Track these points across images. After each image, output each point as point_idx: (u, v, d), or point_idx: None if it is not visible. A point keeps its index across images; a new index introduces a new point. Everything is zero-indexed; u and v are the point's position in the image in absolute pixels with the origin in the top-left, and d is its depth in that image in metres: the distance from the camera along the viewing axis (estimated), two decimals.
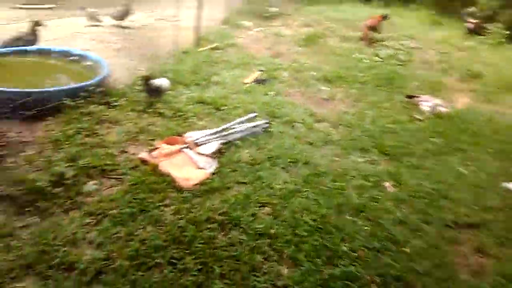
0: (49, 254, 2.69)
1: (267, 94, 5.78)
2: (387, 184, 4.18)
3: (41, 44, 5.57)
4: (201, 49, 7.00)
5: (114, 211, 3.18)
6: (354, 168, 4.33)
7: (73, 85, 4.35)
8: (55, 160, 3.52)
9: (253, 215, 3.40)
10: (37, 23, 5.65)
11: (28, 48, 5.20)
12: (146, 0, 9.49)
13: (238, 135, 4.48)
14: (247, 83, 6.00)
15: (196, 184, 3.62)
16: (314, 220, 3.45)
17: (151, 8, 8.97)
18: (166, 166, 3.72)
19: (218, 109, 5.06)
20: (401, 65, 7.76)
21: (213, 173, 3.83)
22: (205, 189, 3.60)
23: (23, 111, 3.97)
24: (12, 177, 3.23)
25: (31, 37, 5.56)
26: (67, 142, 3.81)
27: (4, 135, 3.84)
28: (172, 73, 5.73)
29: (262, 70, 6.57)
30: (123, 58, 6.21)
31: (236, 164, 4.02)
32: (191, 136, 4.20)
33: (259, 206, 3.53)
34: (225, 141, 4.31)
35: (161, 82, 4.95)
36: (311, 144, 4.74)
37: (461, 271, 3.15)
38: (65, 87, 4.27)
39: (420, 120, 5.75)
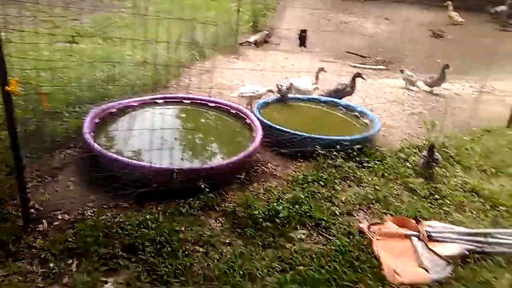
0: (226, 277, 2.79)
1: None
2: None
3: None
4: None
5: (302, 267, 2.98)
6: None
7: (329, 136, 4.45)
8: (281, 197, 3.69)
9: None
10: (358, 75, 6.14)
11: (321, 98, 5.76)
12: (477, 71, 8.61)
13: (503, 250, 3.24)
14: None
15: (405, 284, 2.87)
16: None
17: (481, 79, 8.03)
18: (380, 246, 3.15)
19: (494, 207, 3.86)
20: None
21: (437, 282, 2.93)
22: None
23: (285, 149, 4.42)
24: (245, 199, 3.61)
25: (350, 90, 6.14)
26: (302, 186, 3.91)
27: (264, 165, 4.39)
28: (456, 150, 4.87)
29: None
30: (411, 124, 5.82)
31: (478, 285, 2.92)
32: (430, 225, 3.38)
33: None
34: (478, 249, 3.22)
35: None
36: None
37: None
38: (322, 137, 4.42)
39: None
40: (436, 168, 4.36)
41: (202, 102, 5.13)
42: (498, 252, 3.24)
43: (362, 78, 6.04)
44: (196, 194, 3.52)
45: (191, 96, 5.29)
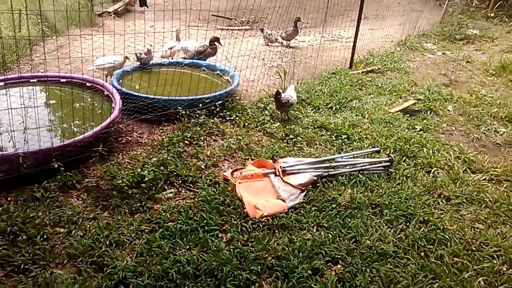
0: (92, 251, 2.78)
1: (412, 128, 4.76)
2: None
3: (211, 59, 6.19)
4: (354, 71, 6.38)
5: (171, 223, 3.10)
6: (497, 245, 3.08)
7: (191, 96, 4.55)
8: (147, 162, 3.71)
9: (314, 269, 2.76)
10: (215, 39, 6.28)
11: (184, 61, 5.79)
12: (331, 22, 9.41)
13: (344, 170, 3.79)
14: (391, 113, 5.09)
15: (265, 216, 3.20)
16: None
17: (330, 29, 8.81)
18: (242, 188, 3.42)
19: (338, 137, 4.43)
20: None
21: (293, 208, 3.32)
22: (274, 224, 3.14)
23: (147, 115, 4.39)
24: (108, 171, 3.54)
25: (211, 51, 6.23)
26: (167, 148, 3.97)
27: (129, 134, 4.32)
28: (307, 94, 5.38)
29: (419, 99, 5.49)
30: (270, 76, 6.23)
31: (326, 203, 3.39)
32: (285, 162, 3.77)
33: (328, 261, 2.85)
34: (325, 174, 3.70)
35: (291, 94, 4.74)
36: (447, 199, 3.61)
37: None
38: (183, 97, 4.50)
39: None
40: (290, 110, 4.80)
41: (52, 79, 4.73)
42: (341, 173, 3.77)
43: (219, 43, 6.23)
44: (52, 176, 3.35)
45: (37, 74, 4.83)
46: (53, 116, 4.29)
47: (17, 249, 2.70)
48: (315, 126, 4.62)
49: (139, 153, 3.94)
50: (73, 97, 4.58)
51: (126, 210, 3.19)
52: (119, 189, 3.33)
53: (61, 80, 4.73)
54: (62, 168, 3.31)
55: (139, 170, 3.53)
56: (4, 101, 4.18)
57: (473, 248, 3.06)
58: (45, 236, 2.83)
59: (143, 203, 3.27)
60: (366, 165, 3.86)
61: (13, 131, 3.44)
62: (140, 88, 4.67)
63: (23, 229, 2.84)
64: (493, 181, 3.92)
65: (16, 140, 3.53)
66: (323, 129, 4.57)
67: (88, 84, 4.69)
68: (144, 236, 2.96)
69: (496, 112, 5.25)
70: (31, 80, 4.68)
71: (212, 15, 10.84)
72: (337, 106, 5.15)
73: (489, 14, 10.14)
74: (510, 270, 2.88)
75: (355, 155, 4.01)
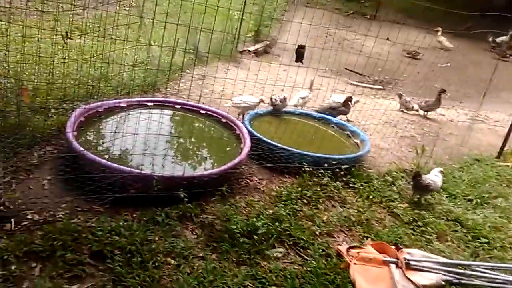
0: None
1: None
2: None
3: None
4: (503, 163, 5.57)
5: (274, 287, 2.91)
6: None
7: (318, 154, 4.39)
8: (262, 213, 3.61)
9: None
10: (350, 98, 6.21)
11: (315, 114, 5.73)
12: (477, 99, 8.62)
13: (480, 283, 3.18)
14: None
15: None
16: None
17: (476, 107, 8.03)
18: (356, 271, 3.08)
19: (476, 238, 3.81)
20: None
21: None
22: None
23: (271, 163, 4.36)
24: (225, 212, 3.54)
25: (345, 108, 6.16)
26: (284, 202, 3.84)
27: (249, 177, 4.32)
28: (444, 177, 4.81)
29: None
30: (402, 147, 5.78)
31: None
32: (409, 253, 3.32)
33: None
34: (455, 280, 3.15)
35: (435, 180, 4.30)
36: None
37: None
38: (310, 153, 4.36)
39: None
40: (425, 195, 4.33)
41: (193, 108, 5.07)
42: (475, 284, 3.18)
43: (351, 102, 6.08)
44: (175, 203, 3.45)
45: (182, 101, 5.23)
46: (188, 145, 4.52)
47: (130, 270, 2.77)
48: (449, 218, 4.06)
49: (256, 200, 3.88)
50: (208, 130, 4.83)
51: (234, 259, 3.10)
52: (232, 234, 3.27)
53: (200, 111, 5.02)
54: (187, 199, 3.40)
55: (254, 219, 3.45)
56: (150, 121, 4.59)
57: None
58: (156, 264, 2.87)
59: (252, 256, 3.15)
60: (507, 284, 3.19)
61: (155, 154, 3.68)
62: (266, 132, 4.70)
63: (139, 250, 2.92)
64: None
65: (150, 162, 3.79)
66: (457, 224, 3.99)
67: (223, 119, 4.90)
68: None
69: None
70: (175, 106, 5.07)
71: (346, 69, 10.85)
72: (478, 200, 4.48)
73: None
74: None
75: (495, 268, 3.36)
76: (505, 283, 3.21)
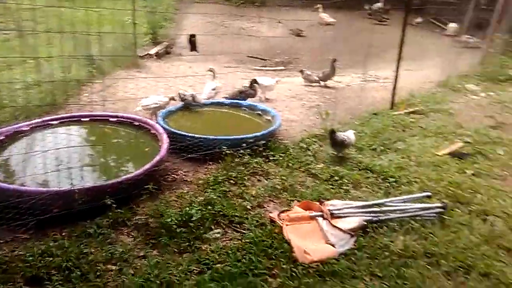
0: None
1: (462, 172, 4.59)
2: None
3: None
4: (396, 112, 6.32)
5: (219, 265, 3.05)
6: None
7: (235, 136, 4.61)
8: (194, 201, 3.72)
9: None
10: (255, 81, 6.49)
11: (225, 101, 5.94)
12: (369, 62, 9.51)
13: (395, 216, 3.66)
14: (439, 155, 4.95)
15: (315, 261, 3.10)
16: None
17: (368, 70, 8.87)
18: (289, 231, 3.35)
19: (385, 180, 4.33)
20: None
21: (343, 254, 3.21)
22: (324, 270, 3.03)
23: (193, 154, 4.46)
24: (157, 209, 3.57)
25: (252, 91, 6.41)
26: (212, 187, 3.99)
27: (175, 172, 4.39)
28: None
29: (466, 142, 5.32)
30: (310, 116, 6.25)
31: (378, 251, 3.27)
32: (332, 204, 3.69)
33: None
34: (374, 218, 3.59)
35: (348, 135, 4.78)
36: (507, 250, 3.39)
37: None
38: (228, 137, 4.56)
39: None
40: (343, 150, 4.80)
41: (102, 118, 4.95)
42: (391, 218, 3.64)
43: (257, 83, 6.44)
44: (104, 212, 3.40)
45: (88, 113, 5.06)
46: (105, 153, 4.43)
47: (71, 285, 2.72)
48: (360, 168, 4.54)
49: (185, 191, 3.97)
50: (123, 135, 4.76)
51: (175, 249, 3.19)
52: (168, 227, 3.34)
53: (110, 119, 4.92)
54: (114, 205, 3.37)
55: (186, 209, 3.55)
56: (58, 140, 4.40)
57: None
58: (98, 273, 2.84)
59: (191, 242, 3.26)
60: (417, 211, 3.72)
61: (70, 168, 3.57)
62: (183, 127, 4.78)
63: (77, 265, 2.87)
64: None
65: (70, 177, 3.67)
66: (368, 171, 4.48)
67: (136, 123, 4.87)
68: (193, 277, 2.93)
69: None
70: (82, 119, 4.90)
71: (247, 56, 11.23)
72: (381, 147, 5.07)
73: None
74: None
75: (405, 200, 3.88)
76: (416, 211, 3.73)
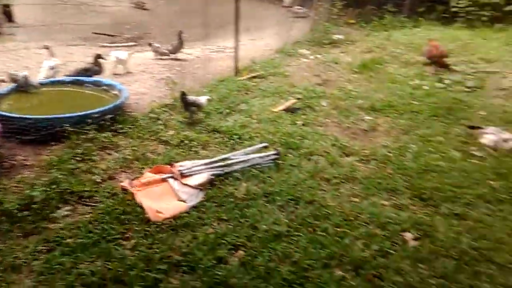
0: None
1: (294, 124, 5.32)
2: (408, 235, 3.39)
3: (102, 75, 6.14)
4: (240, 78, 6.85)
5: (70, 240, 3.05)
6: (370, 213, 3.60)
7: (78, 112, 4.47)
8: (36, 183, 3.56)
9: (218, 258, 2.98)
10: (99, 56, 6.19)
11: (66, 79, 5.61)
12: (215, 35, 9.83)
13: (238, 167, 4.10)
14: (275, 112, 5.61)
15: (167, 218, 3.33)
16: (292, 273, 2.89)
17: (214, 41, 9.21)
18: (141, 196, 3.50)
19: (231, 138, 4.76)
20: (468, 92, 6.61)
21: (194, 207, 3.51)
22: (177, 224, 3.29)
23: (30, 136, 4.17)
24: None
25: (97, 68, 6.09)
26: (57, 167, 3.85)
27: (12, 157, 4.06)
28: None
29: (298, 99, 6.13)
30: (160, 88, 6.34)
31: (224, 199, 3.65)
32: (181, 165, 3.95)
33: (230, 249, 3.09)
34: (220, 172, 3.97)
35: (199, 98, 5.10)
36: (327, 180, 4.13)
37: None
38: (69, 115, 4.40)
39: (480, 157, 4.69)
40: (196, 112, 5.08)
41: None
42: (235, 170, 4.07)
43: (103, 58, 6.25)
44: None
45: None
46: None
47: None
48: (209, 131, 4.88)
49: (26, 175, 3.75)
50: None
51: (19, 234, 3.06)
52: (8, 213, 3.18)
53: None
54: None
55: (27, 191, 3.38)
56: None
57: (351, 218, 3.55)
58: None
59: (37, 224, 3.16)
60: (257, 160, 4.23)
61: None
62: (20, 109, 4.42)
63: None
64: (363, 161, 4.57)
65: None
66: (216, 133, 4.85)
67: None
68: (42, 257, 2.88)
69: (361, 103, 6.12)
70: None
71: (93, 33, 10.52)
72: (227, 110, 5.49)
73: (348, 21, 11.65)
74: (381, 231, 3.44)
75: (246, 152, 4.36)
76: (255, 160, 4.22)
